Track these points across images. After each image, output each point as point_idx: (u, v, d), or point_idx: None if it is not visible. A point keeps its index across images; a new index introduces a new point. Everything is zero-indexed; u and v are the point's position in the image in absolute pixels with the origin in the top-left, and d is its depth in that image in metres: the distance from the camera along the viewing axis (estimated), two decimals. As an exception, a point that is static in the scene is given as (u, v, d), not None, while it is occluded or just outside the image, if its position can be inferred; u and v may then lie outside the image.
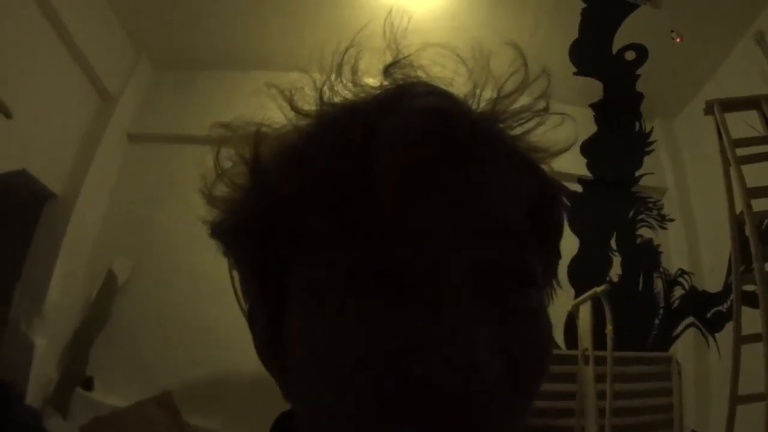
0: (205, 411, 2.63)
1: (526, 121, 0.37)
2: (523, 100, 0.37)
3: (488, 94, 0.37)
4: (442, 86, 0.36)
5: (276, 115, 0.38)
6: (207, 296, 2.35)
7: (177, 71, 3.39)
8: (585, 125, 3.42)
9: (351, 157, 0.32)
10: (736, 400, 2.04)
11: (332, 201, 0.32)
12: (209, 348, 2.53)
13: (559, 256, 0.40)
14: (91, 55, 2.93)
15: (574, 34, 3.02)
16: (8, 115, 2.40)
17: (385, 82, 0.37)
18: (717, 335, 2.87)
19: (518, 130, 0.37)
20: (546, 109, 0.38)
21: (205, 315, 2.48)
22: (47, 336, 2.68)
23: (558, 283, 0.41)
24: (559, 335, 2.99)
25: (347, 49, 0.38)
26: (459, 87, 0.36)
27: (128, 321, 2.84)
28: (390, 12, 0.39)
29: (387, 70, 0.37)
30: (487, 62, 0.39)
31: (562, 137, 0.39)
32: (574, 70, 3.22)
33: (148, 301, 2.88)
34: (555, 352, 2.14)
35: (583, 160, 3.34)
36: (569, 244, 3.19)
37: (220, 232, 0.40)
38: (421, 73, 0.37)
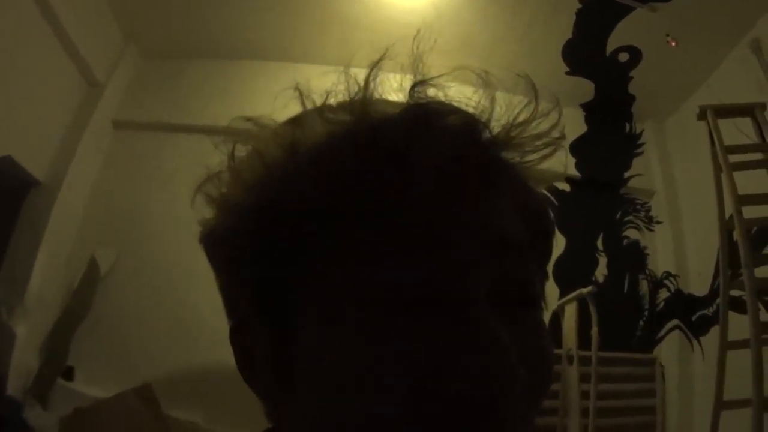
0: (186, 403, 2.61)
1: (539, 150, 0.39)
2: (537, 129, 0.39)
3: (503, 119, 0.39)
4: (464, 108, 0.38)
5: (289, 112, 0.38)
6: (190, 287, 2.33)
7: (165, 59, 3.36)
8: (575, 125, 3.42)
9: (386, 173, 0.33)
10: (720, 405, 2.05)
11: (362, 213, 0.32)
12: (191, 340, 2.52)
13: (547, 277, 0.42)
14: (79, 42, 2.89)
15: (568, 34, 3.02)
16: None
17: (409, 101, 0.38)
18: (701, 339, 2.89)
19: (532, 157, 0.39)
20: (561, 139, 0.39)
21: (188, 306, 2.46)
22: (28, 325, 2.66)
23: (545, 303, 0.41)
24: (543, 335, 2.99)
25: (377, 62, 0.38)
26: (475, 107, 0.38)
27: (110, 311, 2.81)
28: (417, 32, 0.40)
29: (412, 90, 0.38)
30: (496, 85, 0.40)
31: (552, 163, 0.41)
32: (567, 69, 3.22)
33: (130, 292, 2.85)
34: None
35: (572, 160, 3.34)
36: (556, 243, 3.17)
37: (218, 239, 0.38)
38: (441, 94, 0.38)
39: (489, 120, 0.38)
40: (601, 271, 3.22)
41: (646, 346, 3.10)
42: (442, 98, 0.38)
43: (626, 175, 3.43)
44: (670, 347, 3.05)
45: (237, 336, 0.38)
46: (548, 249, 0.40)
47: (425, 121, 0.35)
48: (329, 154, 0.34)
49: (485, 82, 0.39)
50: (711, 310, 2.83)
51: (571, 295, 2.59)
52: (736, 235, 2.15)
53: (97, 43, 3.08)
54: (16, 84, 2.55)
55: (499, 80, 0.40)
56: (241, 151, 0.38)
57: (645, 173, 3.42)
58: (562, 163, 0.41)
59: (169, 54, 3.34)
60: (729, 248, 2.25)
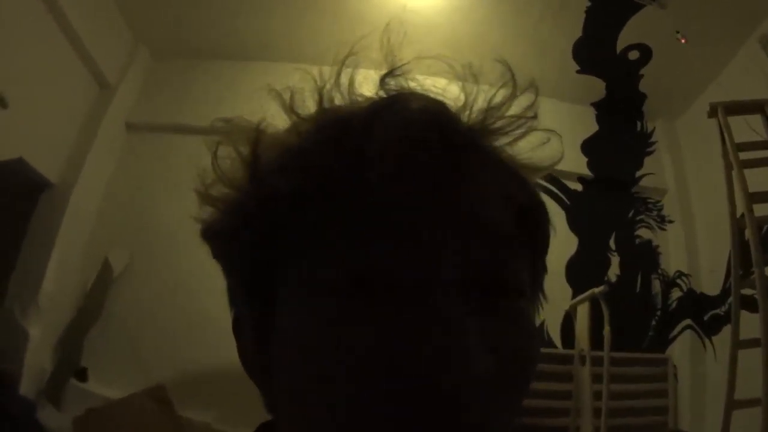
0: (199, 404, 2.62)
1: (515, 131, 0.39)
2: (513, 112, 0.38)
3: (479, 105, 0.39)
4: (435, 96, 0.37)
5: (277, 113, 0.39)
6: (203, 288, 2.33)
7: (176, 61, 3.37)
8: (586, 124, 3.41)
9: (348, 159, 0.32)
10: (732, 405, 2.03)
11: (327, 203, 0.32)
12: (204, 341, 2.51)
13: (545, 269, 0.41)
14: (90, 44, 2.91)
15: (578, 32, 3.00)
16: (4, 105, 2.38)
17: (381, 92, 0.38)
18: (714, 338, 2.87)
19: (506, 140, 0.39)
20: (534, 117, 0.39)
21: (200, 307, 2.46)
22: (42, 326, 2.67)
23: (544, 296, 0.42)
24: (556, 334, 2.99)
25: (346, 58, 0.39)
26: (451, 98, 0.38)
27: (123, 312, 2.82)
28: (387, 24, 0.41)
29: (382, 80, 0.38)
30: (477, 75, 0.40)
31: (548, 153, 0.40)
32: (577, 68, 3.21)
33: (143, 293, 2.86)
34: (552, 351, 2.14)
35: (584, 159, 3.33)
36: (568, 243, 3.19)
37: (212, 232, 0.39)
38: (414, 84, 0.38)
39: (463, 107, 0.38)
40: (613, 271, 3.20)
41: (658, 346, 3.08)
42: (416, 88, 0.38)
43: (638, 174, 3.41)
44: (682, 347, 3.03)
45: (236, 326, 0.40)
46: (542, 239, 0.39)
47: (389, 107, 0.34)
48: (294, 147, 0.35)
49: (459, 73, 0.40)
50: (723, 309, 2.81)
51: (583, 295, 2.58)
52: (748, 233, 2.14)
53: (108, 45, 3.10)
54: (28, 87, 2.57)
55: (482, 72, 0.41)
56: (224, 150, 0.39)
57: (657, 172, 3.39)
58: (559, 152, 0.41)
59: (180, 55, 3.36)
60: (740, 247, 2.24)
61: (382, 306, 0.30)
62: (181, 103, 3.15)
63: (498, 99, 0.38)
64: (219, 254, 0.40)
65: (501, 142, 0.38)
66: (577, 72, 3.22)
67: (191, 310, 2.64)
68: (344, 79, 0.38)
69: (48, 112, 2.77)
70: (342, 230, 0.32)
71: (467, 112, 0.38)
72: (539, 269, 0.40)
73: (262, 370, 0.36)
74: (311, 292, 0.32)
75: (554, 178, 3.16)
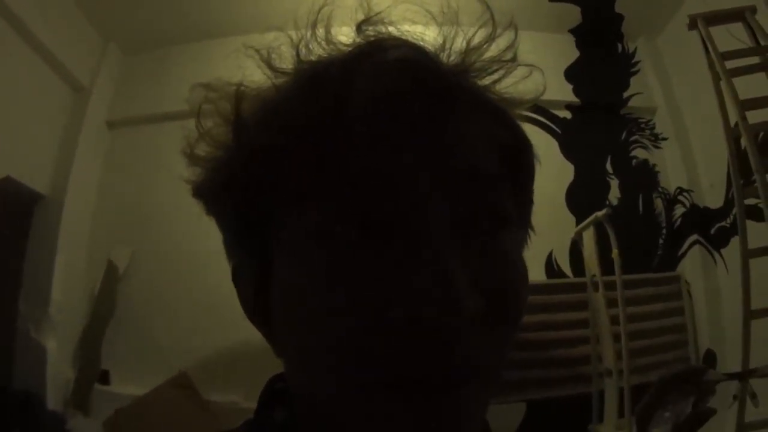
0: (223, 385, 2.64)
1: (495, 71, 0.39)
2: (493, 52, 0.39)
3: (458, 47, 0.39)
4: (413, 41, 0.37)
5: (255, 76, 0.39)
6: (208, 269, 2.32)
7: (148, 52, 3.32)
8: (567, 51, 3.37)
9: (328, 108, 0.33)
10: (749, 315, 2.04)
11: (310, 151, 0.33)
12: (218, 322, 2.50)
13: (531, 202, 0.42)
14: (57, 50, 2.87)
15: (548, -39, 2.95)
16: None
17: (358, 39, 0.38)
18: (723, 251, 2.86)
19: (488, 80, 0.39)
20: (514, 59, 0.39)
21: (210, 289, 2.44)
22: (57, 338, 2.69)
23: (532, 228, 0.43)
24: (565, 264, 2.99)
25: (321, 8, 0.39)
26: (429, 42, 0.38)
27: (135, 308, 2.83)
28: None
29: (359, 27, 0.38)
30: (455, 17, 0.41)
31: (530, 87, 0.41)
32: (550, -4, 3.15)
33: (151, 285, 2.87)
34: (563, 281, 2.14)
35: (569, 86, 3.29)
36: (564, 171, 3.18)
37: (203, 191, 0.40)
38: (392, 30, 0.38)
39: (442, 49, 0.38)
40: (613, 194, 3.19)
41: (668, 265, 3.08)
42: (393, 33, 0.37)
43: (625, 95, 3.38)
44: (692, 263, 3.03)
45: (235, 277, 0.41)
46: (525, 166, 0.40)
47: (368, 54, 0.35)
48: (274, 99, 0.36)
49: (436, 15, 0.41)
50: (728, 221, 2.80)
51: (587, 221, 2.57)
52: (744, 141, 2.12)
53: (76, 48, 3.05)
54: (2, 105, 2.53)
55: (459, 10, 0.41)
56: (206, 113, 0.40)
57: (644, 91, 3.36)
58: (541, 84, 0.41)
59: (151, 46, 3.31)
60: (738, 156, 2.23)
61: (373, 246, 0.31)
62: (160, 92, 3.10)
63: (477, 40, 0.38)
64: (212, 211, 0.41)
65: (482, 82, 0.39)
66: (550, 0, 3.16)
67: (201, 293, 2.65)
68: (320, 31, 0.38)
69: (27, 126, 2.74)
70: (328, 177, 0.32)
71: (446, 54, 0.38)
72: (526, 201, 0.41)
73: (264, 314, 0.37)
74: (305, 236, 0.33)
75: (542, 109, 3.12)
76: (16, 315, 2.69)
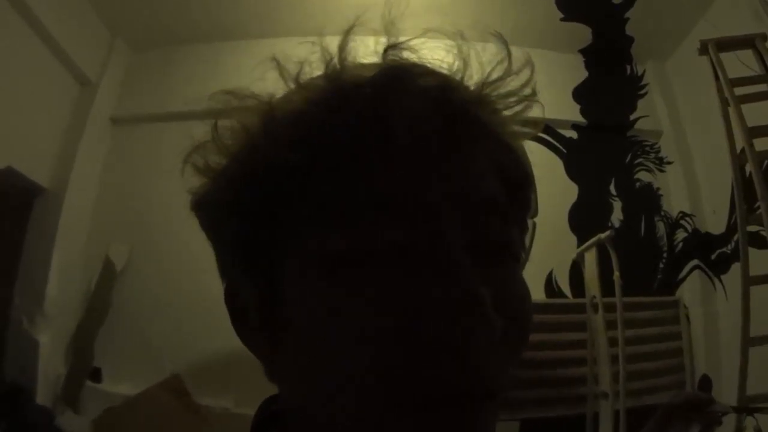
0: (216, 390, 2.62)
1: (511, 106, 0.40)
2: (510, 87, 0.40)
3: (477, 78, 0.40)
4: (440, 69, 0.39)
5: (272, 86, 0.38)
6: (206, 272, 2.29)
7: (155, 50, 3.32)
8: (575, 71, 3.38)
9: (363, 129, 0.33)
10: (748, 342, 2.03)
11: (340, 173, 0.33)
12: (213, 326, 2.48)
13: (527, 228, 0.43)
14: (65, 44, 2.86)
15: (560, -20, 2.96)
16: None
17: (382, 61, 0.38)
18: (723, 277, 2.86)
19: (502, 114, 0.40)
20: (533, 95, 0.40)
21: (207, 292, 2.40)
22: (51, 332, 2.67)
23: (527, 254, 0.44)
24: (565, 284, 2.99)
25: (350, 29, 0.39)
26: (450, 70, 0.39)
27: (130, 307, 2.82)
28: None
29: (385, 53, 0.38)
30: (472, 50, 0.41)
31: (537, 112, 0.42)
32: (561, 15, 3.15)
33: (148, 284, 2.85)
34: (563, 301, 2.13)
35: (576, 106, 3.30)
36: (568, 192, 3.18)
37: (205, 204, 0.39)
38: (414, 56, 0.39)
39: (462, 79, 0.39)
40: (616, 216, 3.18)
41: (667, 289, 3.07)
42: (416, 60, 0.38)
43: (632, 117, 3.38)
44: (692, 288, 3.02)
45: (230, 297, 0.40)
46: (526, 201, 0.41)
47: (398, 80, 0.35)
48: (305, 117, 0.35)
49: (458, 44, 0.40)
50: (729, 247, 2.80)
51: (589, 242, 2.57)
52: (749, 168, 2.12)
53: (84, 42, 3.05)
54: (8, 95, 2.53)
55: (471, 35, 0.42)
56: (224, 122, 0.39)
57: (650, 114, 3.37)
58: (541, 112, 0.42)
59: (159, 44, 3.31)
60: (743, 182, 2.23)
61: (403, 270, 0.32)
62: (165, 91, 3.11)
63: (495, 75, 0.39)
64: (212, 225, 0.39)
65: (496, 114, 0.40)
66: (561, 20, 3.16)
67: (198, 296, 2.62)
68: (347, 50, 0.38)
69: (31, 117, 2.73)
70: (358, 201, 0.32)
71: (467, 85, 0.39)
72: (524, 229, 0.42)
73: (266, 339, 0.37)
74: (325, 262, 0.33)
75: (548, 128, 3.13)
76: (10, 307, 2.68)
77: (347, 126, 0.33)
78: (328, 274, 0.33)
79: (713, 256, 2.94)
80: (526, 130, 0.42)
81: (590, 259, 2.58)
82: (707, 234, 3.03)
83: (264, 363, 0.38)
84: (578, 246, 2.81)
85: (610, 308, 2.44)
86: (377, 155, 0.33)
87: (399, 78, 0.35)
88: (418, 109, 0.34)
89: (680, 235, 3.15)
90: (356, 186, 0.33)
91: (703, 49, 2.36)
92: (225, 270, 0.40)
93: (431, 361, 0.30)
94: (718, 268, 2.90)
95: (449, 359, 0.30)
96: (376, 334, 0.31)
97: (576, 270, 2.87)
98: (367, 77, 0.36)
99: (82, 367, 2.71)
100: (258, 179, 0.35)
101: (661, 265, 3.12)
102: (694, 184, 3.16)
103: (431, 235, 0.32)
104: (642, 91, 3.45)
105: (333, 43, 0.38)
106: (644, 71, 3.49)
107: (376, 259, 0.32)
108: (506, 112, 0.40)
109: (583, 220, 3.01)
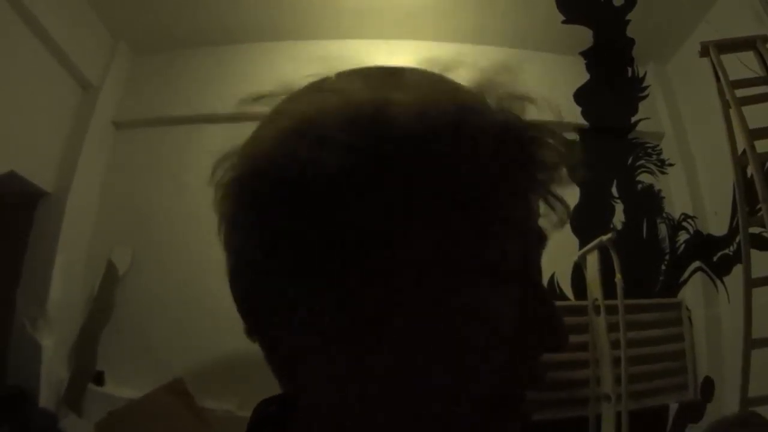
0: (219, 393, 2.61)
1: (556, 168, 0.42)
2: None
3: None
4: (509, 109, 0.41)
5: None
6: (209, 275, 2.31)
7: (158, 53, 3.32)
8: (576, 74, 3.38)
9: (461, 147, 0.34)
10: (750, 344, 2.03)
11: (451, 184, 0.34)
12: (217, 329, 2.49)
13: None
14: (67, 47, 2.86)
15: (560, -18, 2.96)
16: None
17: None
18: (725, 279, 2.86)
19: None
20: (577, 166, 0.43)
21: (210, 295, 2.43)
22: (53, 336, 2.66)
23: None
24: (567, 287, 2.98)
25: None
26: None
27: (133, 310, 2.81)
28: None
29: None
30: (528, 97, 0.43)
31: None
32: (562, 18, 3.15)
33: (151, 288, 2.85)
34: (565, 303, 2.13)
35: (578, 109, 3.29)
36: (569, 194, 3.15)
37: (270, 181, 0.35)
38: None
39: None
40: (618, 218, 3.18)
41: (669, 291, 3.07)
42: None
43: (633, 119, 3.38)
44: (694, 290, 3.02)
45: (252, 283, 0.37)
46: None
47: (472, 113, 0.37)
48: (417, 131, 0.34)
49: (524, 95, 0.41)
50: (731, 249, 2.80)
51: (591, 244, 2.57)
52: (751, 170, 2.12)
53: (86, 46, 3.05)
54: (9, 98, 2.52)
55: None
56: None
57: (652, 116, 3.36)
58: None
59: (161, 47, 3.31)
60: (744, 184, 2.23)
61: (500, 289, 0.34)
62: (168, 95, 3.11)
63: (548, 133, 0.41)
64: (264, 206, 0.35)
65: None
66: (563, 22, 3.16)
67: (200, 299, 2.63)
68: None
69: (33, 121, 2.73)
70: (454, 219, 0.34)
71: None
72: None
73: (301, 352, 0.35)
74: (431, 274, 0.33)
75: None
76: (13, 310, 2.68)
77: (446, 137, 0.34)
78: (434, 286, 0.33)
79: (715, 258, 2.94)
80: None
81: (592, 262, 2.59)
82: (709, 236, 3.03)
83: (287, 361, 0.37)
84: (580, 248, 2.81)
85: (612, 310, 2.44)
86: (479, 176, 0.35)
87: (472, 112, 0.37)
88: (498, 143, 0.36)
89: (682, 237, 3.15)
90: (454, 207, 0.34)
91: (704, 51, 2.36)
92: (250, 253, 0.36)
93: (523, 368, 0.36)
94: (720, 269, 2.90)
95: (536, 365, 0.37)
96: (492, 356, 0.34)
97: (578, 272, 2.87)
98: (443, 106, 0.36)
99: (85, 371, 2.71)
100: (380, 164, 0.33)
101: (663, 267, 3.12)
102: (695, 186, 3.16)
103: (517, 255, 0.36)
104: (643, 93, 3.45)
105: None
106: (645, 73, 3.48)
107: (478, 275, 0.34)
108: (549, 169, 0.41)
109: (585, 222, 3.01)
